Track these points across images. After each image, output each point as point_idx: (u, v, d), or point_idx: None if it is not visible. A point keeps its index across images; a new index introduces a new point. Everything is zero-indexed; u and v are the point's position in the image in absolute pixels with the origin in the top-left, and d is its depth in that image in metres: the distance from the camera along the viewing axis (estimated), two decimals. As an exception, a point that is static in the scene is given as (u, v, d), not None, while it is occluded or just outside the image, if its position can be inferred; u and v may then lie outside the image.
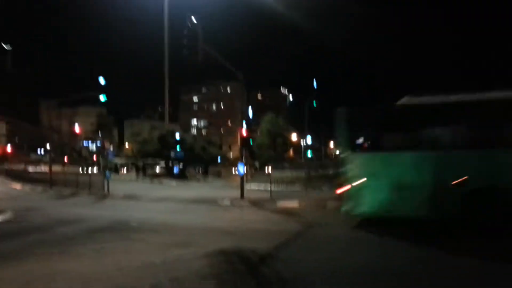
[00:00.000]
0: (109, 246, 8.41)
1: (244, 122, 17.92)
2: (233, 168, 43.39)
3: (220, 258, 7.11)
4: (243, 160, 18.75)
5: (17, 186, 31.37)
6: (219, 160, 52.64)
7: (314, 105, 28.59)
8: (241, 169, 17.78)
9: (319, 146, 65.19)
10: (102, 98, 25.46)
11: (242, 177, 17.82)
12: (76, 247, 8.24)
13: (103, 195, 21.79)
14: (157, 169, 51.62)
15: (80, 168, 48.11)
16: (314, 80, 26.96)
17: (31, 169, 42.58)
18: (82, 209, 17.10)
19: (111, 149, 45.09)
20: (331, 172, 35.43)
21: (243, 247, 7.92)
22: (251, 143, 18.10)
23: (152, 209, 16.54)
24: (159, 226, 11.21)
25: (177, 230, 10.43)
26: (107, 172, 24.24)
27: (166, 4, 46.68)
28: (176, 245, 8.39)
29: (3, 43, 17.10)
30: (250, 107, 18.43)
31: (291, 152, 62.46)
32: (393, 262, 6.87)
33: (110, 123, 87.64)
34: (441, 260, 7.08)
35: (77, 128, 41.75)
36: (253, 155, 58.81)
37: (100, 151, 42.02)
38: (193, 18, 15.52)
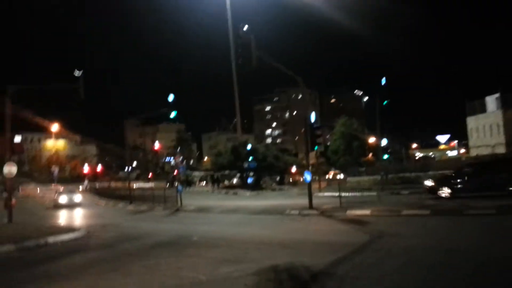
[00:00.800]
0: (162, 262, 8.19)
1: (306, 128, 17.06)
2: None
3: (270, 276, 6.47)
4: (309, 167, 17.86)
5: (102, 202, 33.50)
6: (294, 168, 51.87)
7: (384, 104, 26.92)
8: (308, 176, 16.94)
9: (398, 148, 61.61)
10: (172, 114, 26.40)
11: (309, 185, 16.98)
12: (130, 264, 8.12)
13: (176, 209, 22.26)
14: (234, 180, 52.32)
15: (164, 183, 50.37)
16: (383, 78, 25.31)
17: (117, 186, 45.43)
18: (152, 223, 17.51)
19: (183, 163, 46.58)
20: (412, 174, 33.07)
21: (298, 262, 7.19)
22: (319, 148, 17.21)
23: (218, 221, 16.38)
24: (218, 239, 10.86)
25: (234, 244, 9.99)
26: (179, 186, 24.84)
27: (229, 18, 47.73)
28: (229, 260, 7.93)
29: (76, 70, 18.07)
30: (315, 111, 17.52)
31: (370, 155, 59.68)
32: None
33: (189, 138, 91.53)
34: None
35: (156, 145, 43.58)
36: (329, 161, 57.16)
37: (174, 166, 43.60)
38: (244, 27, 15.20)
